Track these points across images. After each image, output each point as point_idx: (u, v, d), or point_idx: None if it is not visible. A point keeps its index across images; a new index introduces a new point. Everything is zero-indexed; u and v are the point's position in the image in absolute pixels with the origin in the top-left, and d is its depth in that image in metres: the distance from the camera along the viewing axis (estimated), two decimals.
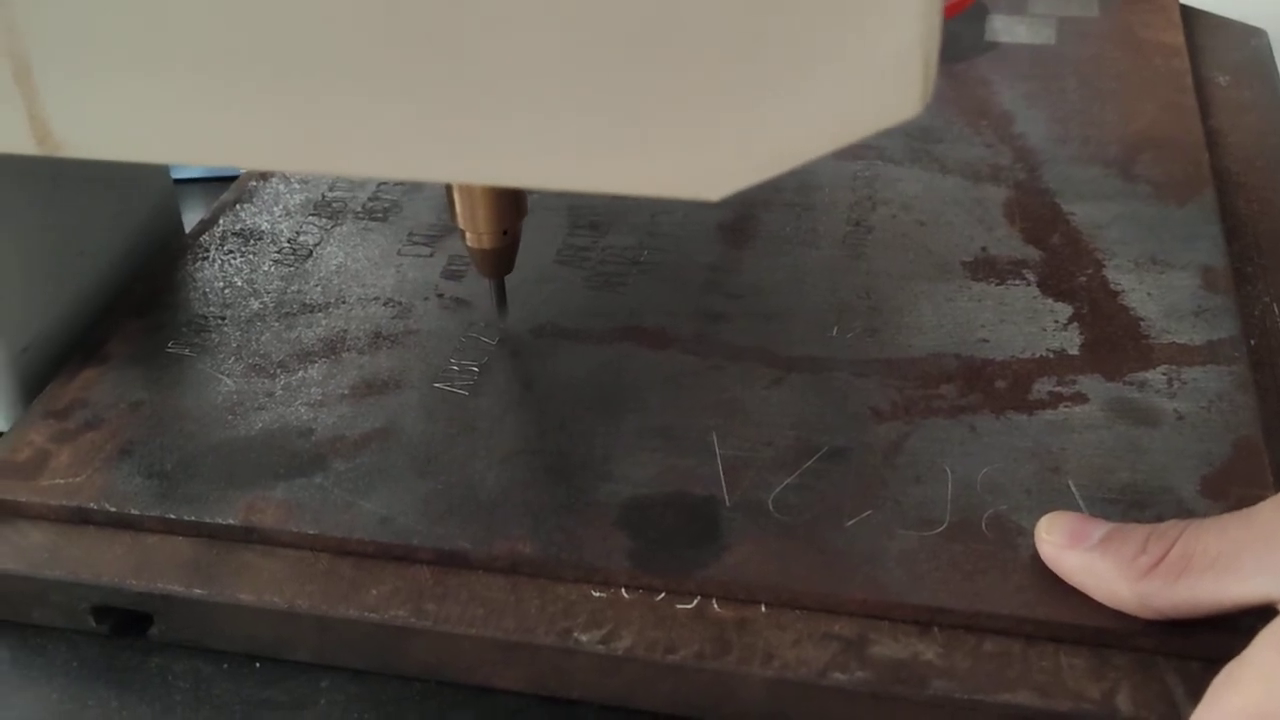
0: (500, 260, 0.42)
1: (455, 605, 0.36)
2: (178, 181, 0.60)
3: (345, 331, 0.45)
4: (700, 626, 0.35)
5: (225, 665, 0.37)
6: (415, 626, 0.35)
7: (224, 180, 0.61)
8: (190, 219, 0.54)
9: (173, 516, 0.38)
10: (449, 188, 0.41)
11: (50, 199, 0.45)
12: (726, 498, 0.37)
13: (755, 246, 0.49)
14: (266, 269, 0.49)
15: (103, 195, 0.48)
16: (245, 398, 0.42)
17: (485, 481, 0.39)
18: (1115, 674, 0.33)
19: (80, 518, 0.38)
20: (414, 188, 0.54)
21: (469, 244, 0.42)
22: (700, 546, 0.36)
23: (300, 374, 0.43)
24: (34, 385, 0.44)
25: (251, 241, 0.51)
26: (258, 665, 0.37)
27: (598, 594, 0.36)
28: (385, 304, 0.47)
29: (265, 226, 0.51)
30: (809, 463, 0.38)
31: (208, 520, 0.38)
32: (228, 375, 0.43)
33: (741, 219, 0.50)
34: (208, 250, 0.50)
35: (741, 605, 0.35)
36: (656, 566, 0.36)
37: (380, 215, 0.52)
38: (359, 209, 0.52)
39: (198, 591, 0.36)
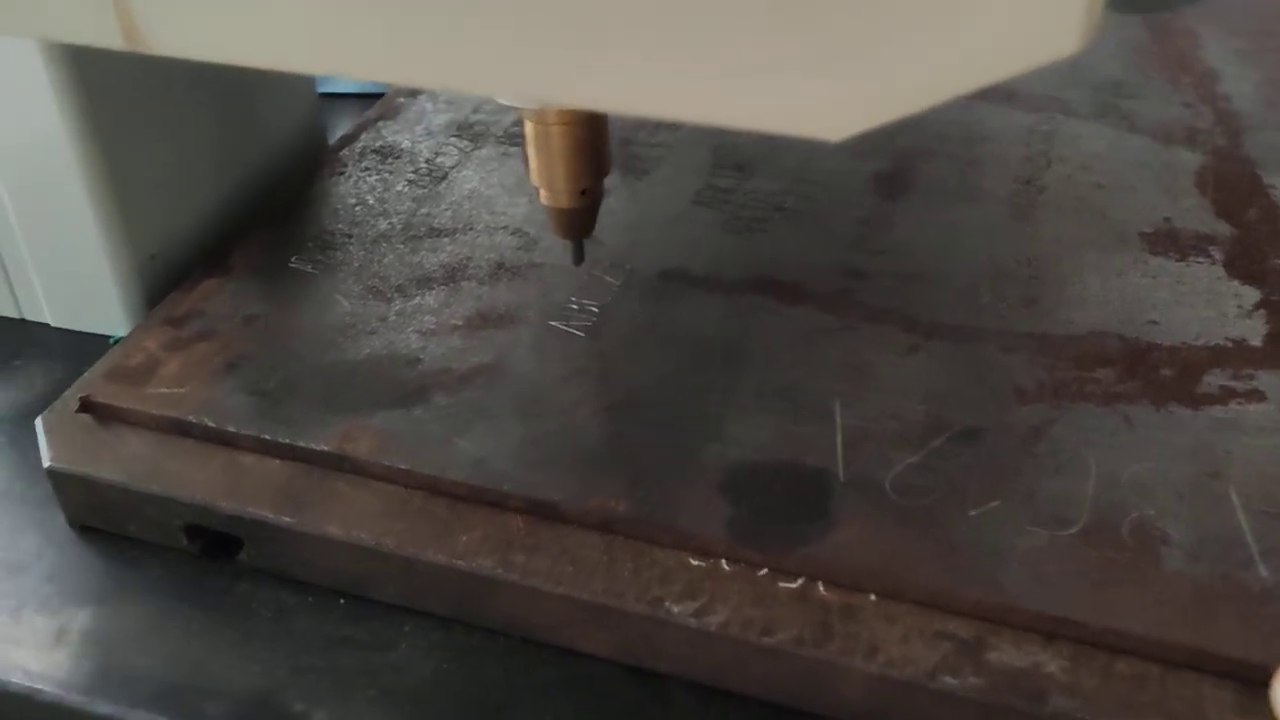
0: (577, 221, 0.39)
1: (545, 559, 0.34)
2: (326, 96, 0.60)
3: (469, 260, 0.43)
4: (802, 609, 0.32)
5: (310, 598, 0.36)
6: (501, 578, 0.33)
7: (374, 97, 0.60)
8: (338, 135, 0.53)
9: (267, 437, 0.37)
10: (523, 141, 0.38)
11: (189, 105, 0.45)
12: (841, 472, 0.34)
13: (910, 201, 0.45)
14: (400, 189, 0.47)
15: (244, 104, 0.48)
16: (358, 320, 0.41)
17: (588, 430, 0.36)
18: (1263, 714, 0.29)
19: (180, 430, 0.38)
20: None
21: (545, 202, 0.38)
22: (806, 522, 0.33)
23: (416, 300, 0.42)
24: (158, 293, 0.44)
25: (389, 159, 0.49)
26: (342, 601, 0.36)
27: (696, 562, 0.33)
28: (513, 234, 0.45)
29: (405, 145, 0.50)
30: (937, 441, 0.35)
31: (301, 445, 0.37)
32: (344, 296, 0.42)
33: (899, 170, 0.47)
34: (345, 166, 0.49)
35: (848, 591, 0.32)
36: (757, 540, 0.33)
37: (521, 142, 0.50)
38: (501, 134, 0.51)
39: (286, 519, 0.35)
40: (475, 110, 0.52)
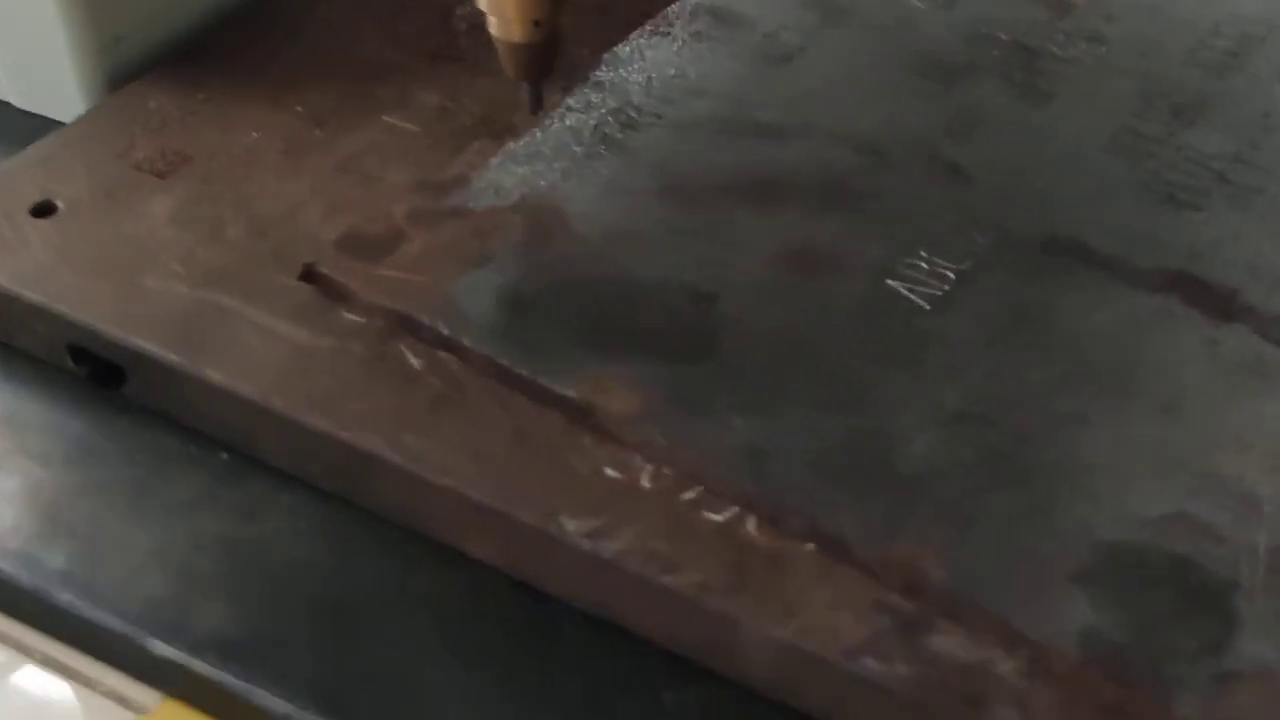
0: (531, 59, 0.32)
1: (440, 448, 0.28)
2: None
3: (795, 174, 0.34)
4: (719, 548, 0.25)
5: (191, 448, 0.31)
6: (386, 459, 0.28)
7: None
8: None
9: (504, 363, 0.29)
10: None
11: None
12: (1253, 590, 0.24)
13: None
14: (728, 66, 0.38)
15: None
16: (646, 227, 0.33)
17: (905, 447, 0.27)
18: None
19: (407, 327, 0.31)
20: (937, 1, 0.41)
21: (494, 34, 0.32)
22: (1192, 661, 0.23)
23: (722, 214, 0.33)
24: (122, 80, 0.38)
25: (725, 25, 0.40)
26: (224, 457, 0.30)
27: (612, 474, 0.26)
28: (858, 149, 0.35)
29: (748, 10, 0.40)
30: None
31: (542, 382, 0.29)
32: (635, 192, 0.34)
33: None
34: (671, 26, 0.40)
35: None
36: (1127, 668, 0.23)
37: (892, 26, 0.39)
38: (868, 16, 0.40)
39: (172, 357, 0.30)
40: None
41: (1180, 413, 0.28)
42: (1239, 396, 0.28)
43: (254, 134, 0.36)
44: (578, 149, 0.35)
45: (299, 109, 0.37)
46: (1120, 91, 0.37)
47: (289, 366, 0.29)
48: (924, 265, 0.31)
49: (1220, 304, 0.30)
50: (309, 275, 0.32)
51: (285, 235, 0.33)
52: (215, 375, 0.29)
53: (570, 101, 0.37)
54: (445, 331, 0.30)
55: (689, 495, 0.26)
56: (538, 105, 0.34)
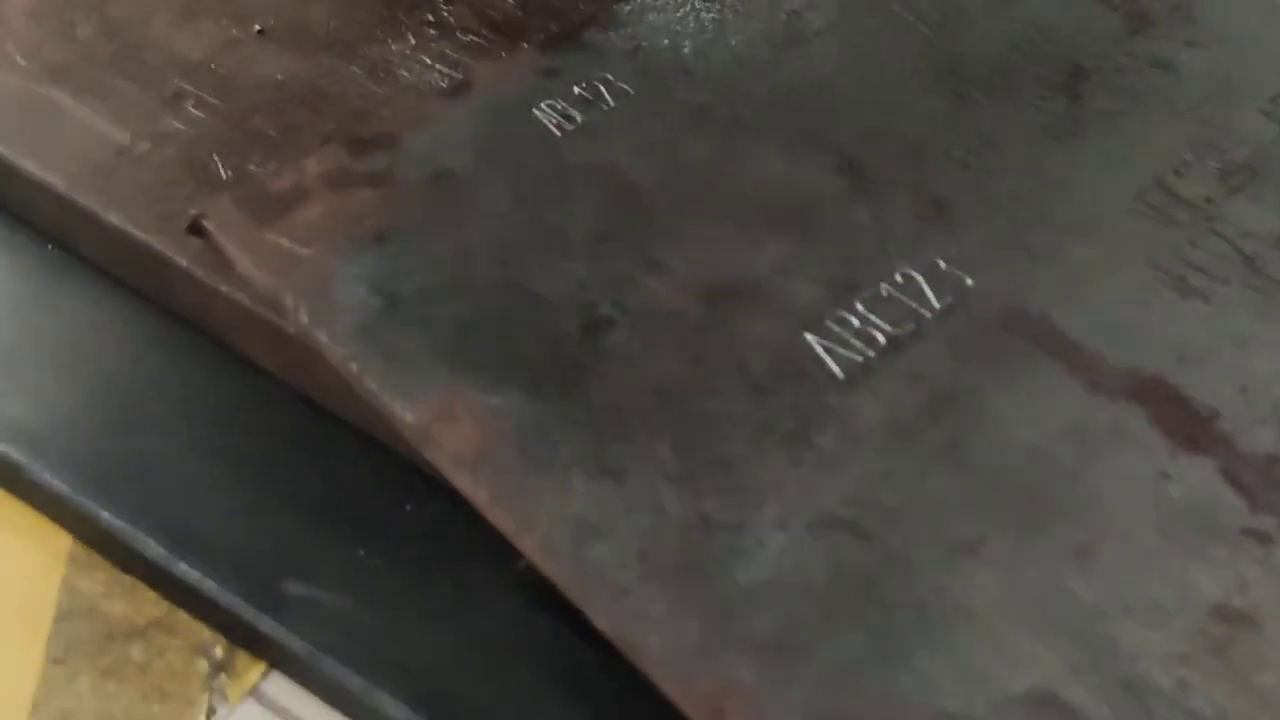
0: None
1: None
2: None
3: (753, 185, 0.30)
4: None
5: (21, 237, 0.32)
6: (171, 261, 0.29)
7: None
8: None
9: (355, 367, 0.26)
10: None
11: None
12: None
13: None
14: (727, 44, 0.34)
15: None
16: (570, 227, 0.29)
17: (757, 553, 0.23)
18: None
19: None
20: None
21: None
22: None
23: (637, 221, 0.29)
24: None
25: None
26: (50, 249, 0.32)
27: None
28: (836, 165, 0.30)
29: None
30: None
31: (383, 396, 0.26)
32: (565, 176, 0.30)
33: None
34: None
35: None
36: None
37: (933, 22, 0.34)
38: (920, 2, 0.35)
39: None
40: None
41: (1094, 561, 0.23)
42: (1173, 553, 0.23)
43: None
44: (524, 117, 0.31)
45: None
46: (1167, 137, 0.31)
47: (104, 165, 0.31)
48: (854, 322, 0.27)
49: (1190, 427, 0.25)
50: (195, 228, 0.29)
51: (133, 39, 0.34)
52: (31, 166, 0.31)
53: (543, 59, 0.33)
54: (304, 320, 0.27)
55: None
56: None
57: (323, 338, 0.27)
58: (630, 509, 0.24)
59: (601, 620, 0.22)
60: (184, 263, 0.30)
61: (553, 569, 0.23)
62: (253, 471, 0.29)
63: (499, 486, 0.24)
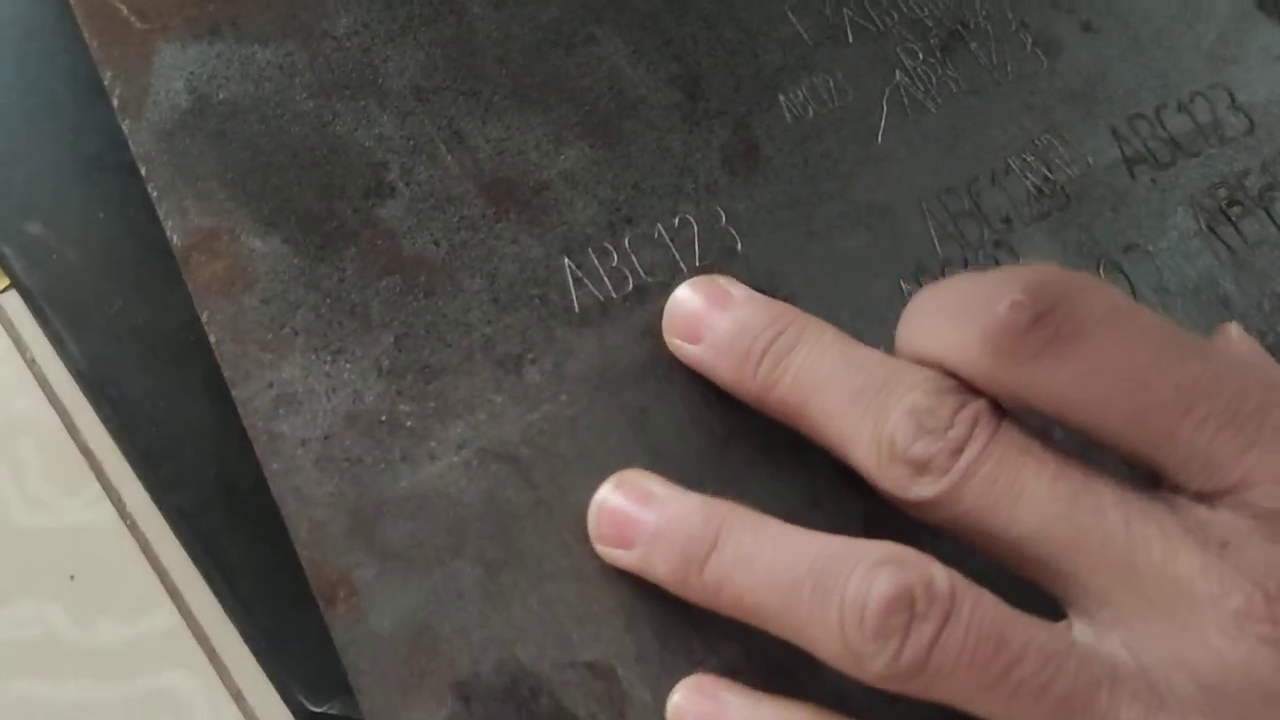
0: None
1: None
2: None
3: (586, 81, 0.30)
4: None
5: None
6: None
7: None
8: None
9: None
10: None
11: None
12: None
13: None
14: None
15: None
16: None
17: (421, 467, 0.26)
18: None
19: None
20: None
21: None
22: None
23: (465, 93, 0.30)
24: None
25: None
26: None
27: None
28: (679, 81, 0.31)
29: None
30: None
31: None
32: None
33: None
34: None
35: None
36: None
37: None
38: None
39: None
40: None
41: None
42: None
43: None
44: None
45: None
46: (1007, 134, 0.31)
47: None
48: (614, 258, 0.28)
49: None
50: None
51: None
52: None
53: None
54: (114, 102, 0.28)
55: None
56: None
57: (125, 126, 0.28)
58: (333, 390, 0.26)
59: (272, 487, 0.25)
60: None
61: (249, 427, 0.26)
62: None
63: (229, 332, 0.26)
